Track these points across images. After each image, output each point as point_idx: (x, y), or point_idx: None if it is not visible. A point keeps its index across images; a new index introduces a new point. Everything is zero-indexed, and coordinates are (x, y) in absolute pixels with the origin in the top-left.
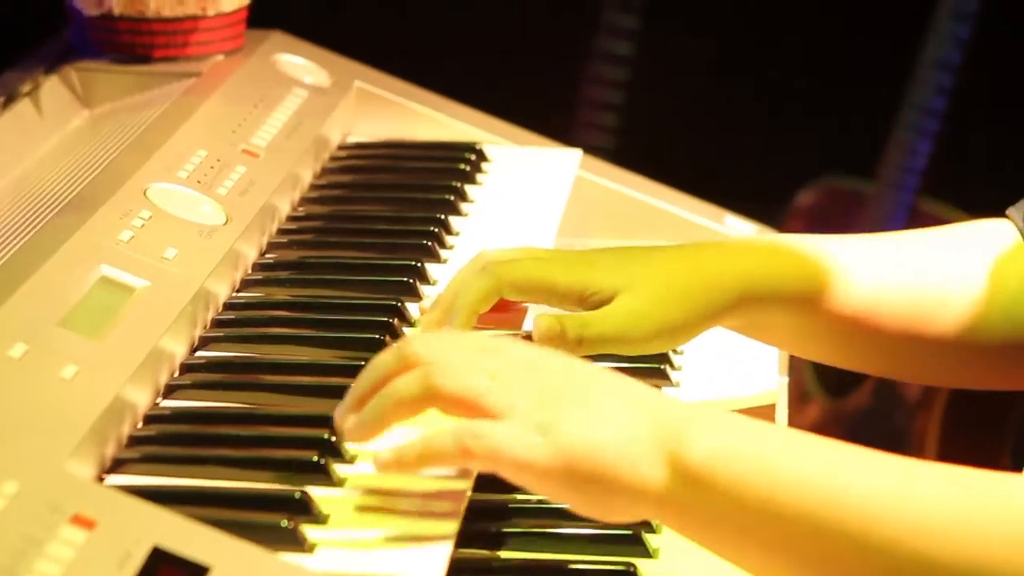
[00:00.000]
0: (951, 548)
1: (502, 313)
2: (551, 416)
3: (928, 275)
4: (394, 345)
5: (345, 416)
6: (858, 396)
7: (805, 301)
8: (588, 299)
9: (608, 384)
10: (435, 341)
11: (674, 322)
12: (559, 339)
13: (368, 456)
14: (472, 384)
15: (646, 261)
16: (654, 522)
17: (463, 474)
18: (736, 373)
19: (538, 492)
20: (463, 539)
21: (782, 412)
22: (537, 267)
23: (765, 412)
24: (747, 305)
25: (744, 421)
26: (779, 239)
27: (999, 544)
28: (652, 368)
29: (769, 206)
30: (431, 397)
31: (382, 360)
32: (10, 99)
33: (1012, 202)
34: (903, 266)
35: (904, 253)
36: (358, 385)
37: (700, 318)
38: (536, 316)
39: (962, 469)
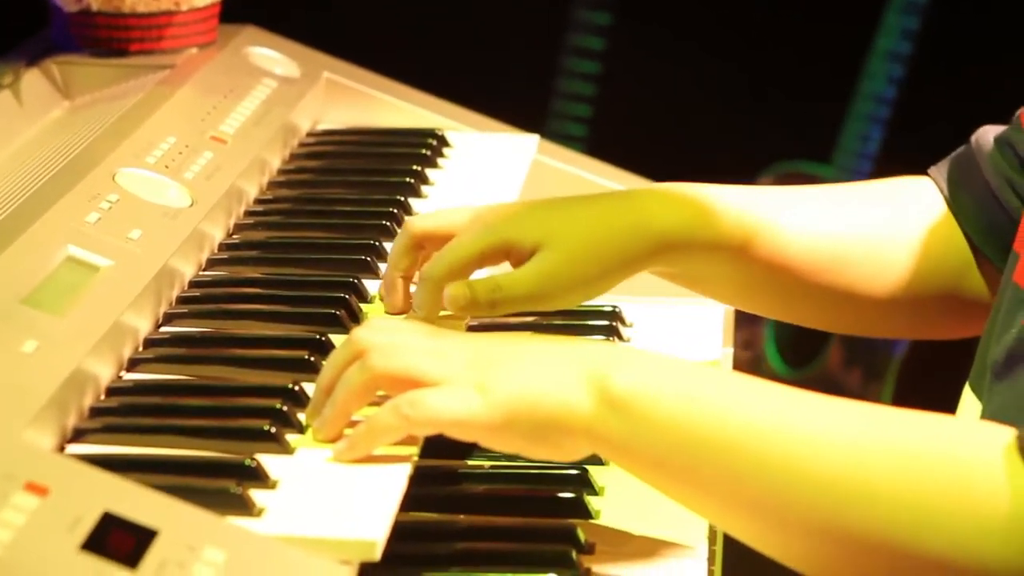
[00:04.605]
0: (869, 490)
1: None
2: (485, 377)
3: (859, 228)
4: (345, 338)
5: (313, 415)
6: (814, 367)
7: (729, 249)
8: (512, 256)
9: (536, 343)
10: (377, 328)
11: (590, 275)
12: (471, 305)
13: None
14: (409, 362)
15: (564, 216)
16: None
17: (409, 441)
18: (681, 344)
19: (485, 444)
20: (413, 503)
21: None
22: (451, 222)
23: None
24: (669, 253)
25: (664, 358)
26: (701, 190)
27: (892, 474)
28: (602, 336)
29: None
30: (375, 379)
31: (335, 355)
32: None
33: None
34: (833, 218)
35: (835, 206)
36: (319, 383)
37: (617, 267)
38: (448, 285)
39: (882, 408)
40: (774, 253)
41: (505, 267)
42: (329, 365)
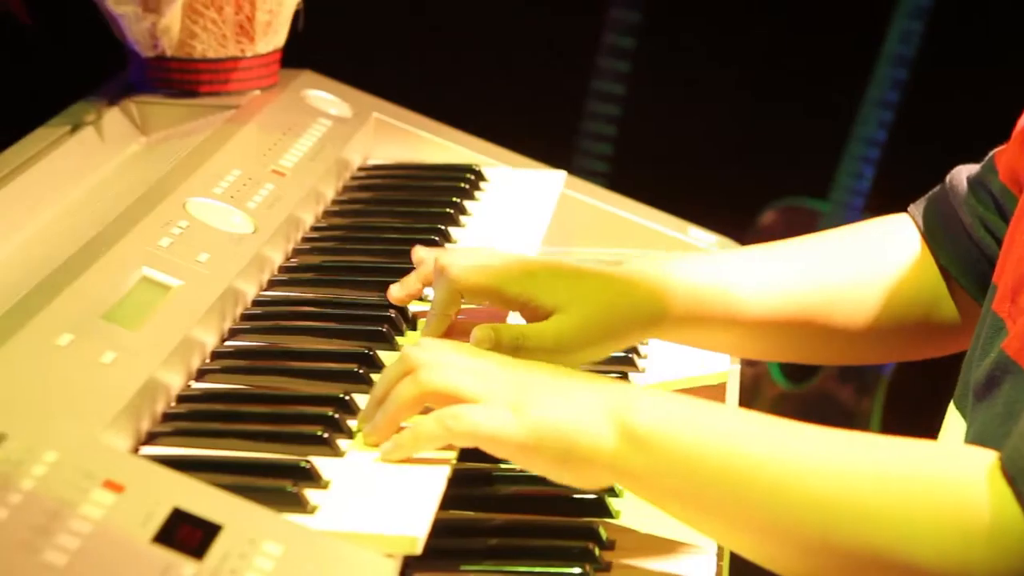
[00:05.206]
0: (861, 518)
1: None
2: (521, 400)
3: (833, 275)
4: (399, 355)
5: (364, 421)
6: (812, 382)
7: (693, 321)
8: (529, 309)
9: (568, 375)
10: (428, 348)
11: (598, 339)
12: (495, 348)
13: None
14: (454, 380)
15: (578, 285)
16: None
17: (448, 447)
18: (693, 361)
19: (516, 462)
20: (451, 502)
21: (732, 391)
22: (488, 277)
23: (717, 390)
24: (655, 329)
25: (681, 399)
26: (667, 270)
27: (881, 496)
28: (621, 355)
29: (740, 222)
30: (424, 394)
31: (390, 369)
32: (77, 127)
33: None
34: (800, 271)
35: (805, 257)
36: (373, 393)
37: (619, 337)
38: (475, 327)
39: (874, 436)
40: (732, 316)
41: None
42: (383, 379)
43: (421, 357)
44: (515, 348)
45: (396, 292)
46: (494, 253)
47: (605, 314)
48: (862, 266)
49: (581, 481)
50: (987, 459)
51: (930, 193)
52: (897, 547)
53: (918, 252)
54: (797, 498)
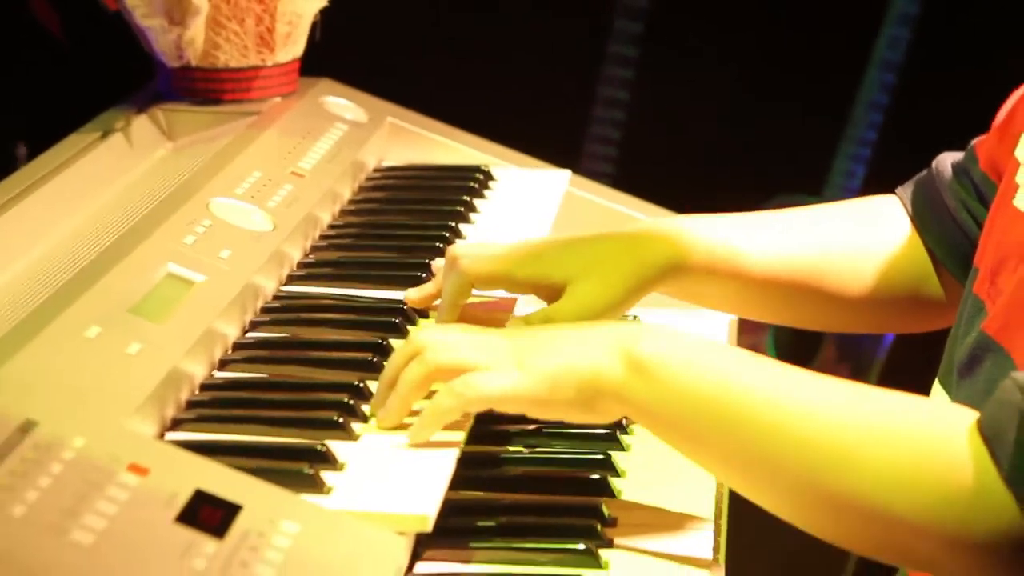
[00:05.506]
0: (837, 449)
1: (495, 302)
2: (526, 357)
3: (827, 244)
4: (404, 341)
5: (377, 406)
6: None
7: (702, 273)
8: (542, 289)
9: (571, 326)
10: (432, 330)
11: (617, 297)
12: None
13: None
14: (460, 354)
15: (586, 250)
16: (617, 466)
17: (456, 427)
18: None
19: (531, 414)
20: (460, 483)
21: None
22: (497, 264)
23: None
24: (665, 279)
25: (686, 334)
26: (681, 225)
27: (869, 445)
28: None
29: None
30: (432, 372)
31: (397, 354)
32: (107, 133)
33: None
34: (799, 238)
35: (805, 226)
36: (383, 378)
37: (635, 290)
38: (508, 321)
39: (867, 387)
40: (738, 273)
41: None
42: (391, 363)
43: (426, 338)
44: None
45: (413, 295)
46: (501, 244)
47: (622, 271)
48: (856, 238)
49: (597, 417)
50: (970, 419)
51: (917, 177)
52: (878, 497)
53: (908, 230)
54: (786, 438)
